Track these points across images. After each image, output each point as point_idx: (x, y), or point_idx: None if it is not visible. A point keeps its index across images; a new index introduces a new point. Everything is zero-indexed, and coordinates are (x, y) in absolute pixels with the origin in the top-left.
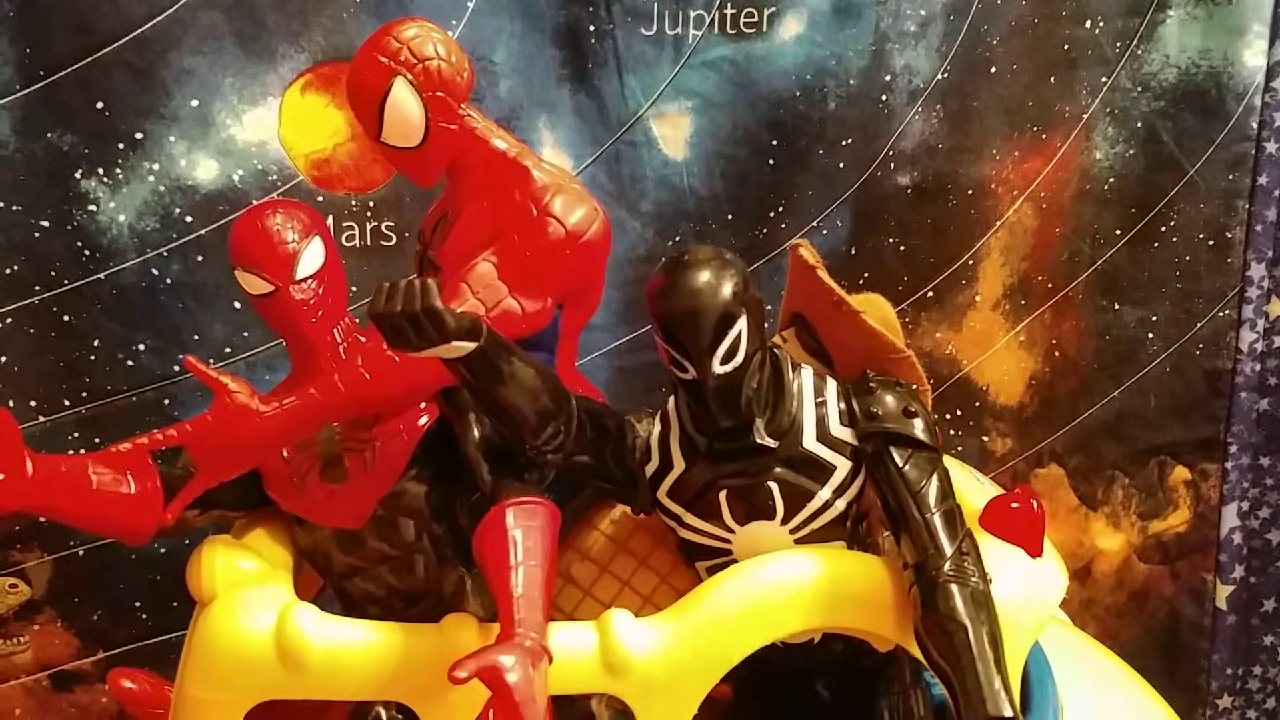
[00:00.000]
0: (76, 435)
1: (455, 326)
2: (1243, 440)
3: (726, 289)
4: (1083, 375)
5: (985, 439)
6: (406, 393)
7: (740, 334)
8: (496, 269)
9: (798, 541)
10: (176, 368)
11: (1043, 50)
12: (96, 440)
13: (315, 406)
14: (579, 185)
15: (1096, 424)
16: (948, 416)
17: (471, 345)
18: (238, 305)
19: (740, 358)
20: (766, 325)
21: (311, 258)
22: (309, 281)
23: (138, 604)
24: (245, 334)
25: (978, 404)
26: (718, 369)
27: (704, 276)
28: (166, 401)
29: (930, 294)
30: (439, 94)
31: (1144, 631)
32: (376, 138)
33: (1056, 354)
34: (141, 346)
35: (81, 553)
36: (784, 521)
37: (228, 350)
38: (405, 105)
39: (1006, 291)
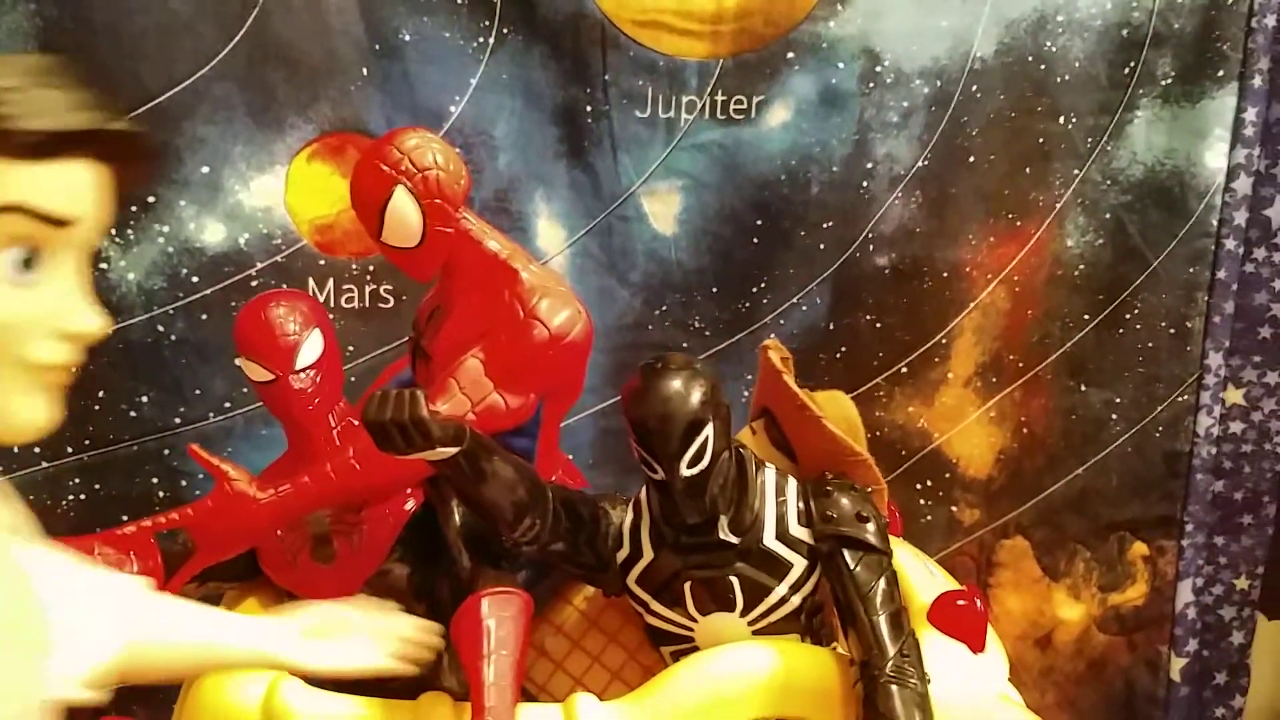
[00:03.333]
0: (78, 480)
1: (440, 434)
2: (1198, 519)
3: (696, 397)
4: (1049, 452)
5: (954, 509)
6: (393, 482)
7: (707, 439)
8: (484, 365)
9: (755, 632)
10: (177, 420)
11: (1019, 142)
12: (96, 486)
13: (308, 494)
14: (565, 288)
15: (1061, 499)
16: (918, 487)
17: (454, 450)
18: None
19: (706, 460)
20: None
21: (311, 349)
22: (308, 371)
23: None
24: (244, 390)
25: (948, 475)
26: (685, 471)
27: (675, 384)
28: (166, 452)
29: (904, 370)
30: (437, 201)
31: (1101, 700)
32: (376, 238)
33: (1025, 430)
34: (144, 399)
35: None
36: (743, 614)
37: (227, 405)
38: (404, 212)
39: (978, 369)
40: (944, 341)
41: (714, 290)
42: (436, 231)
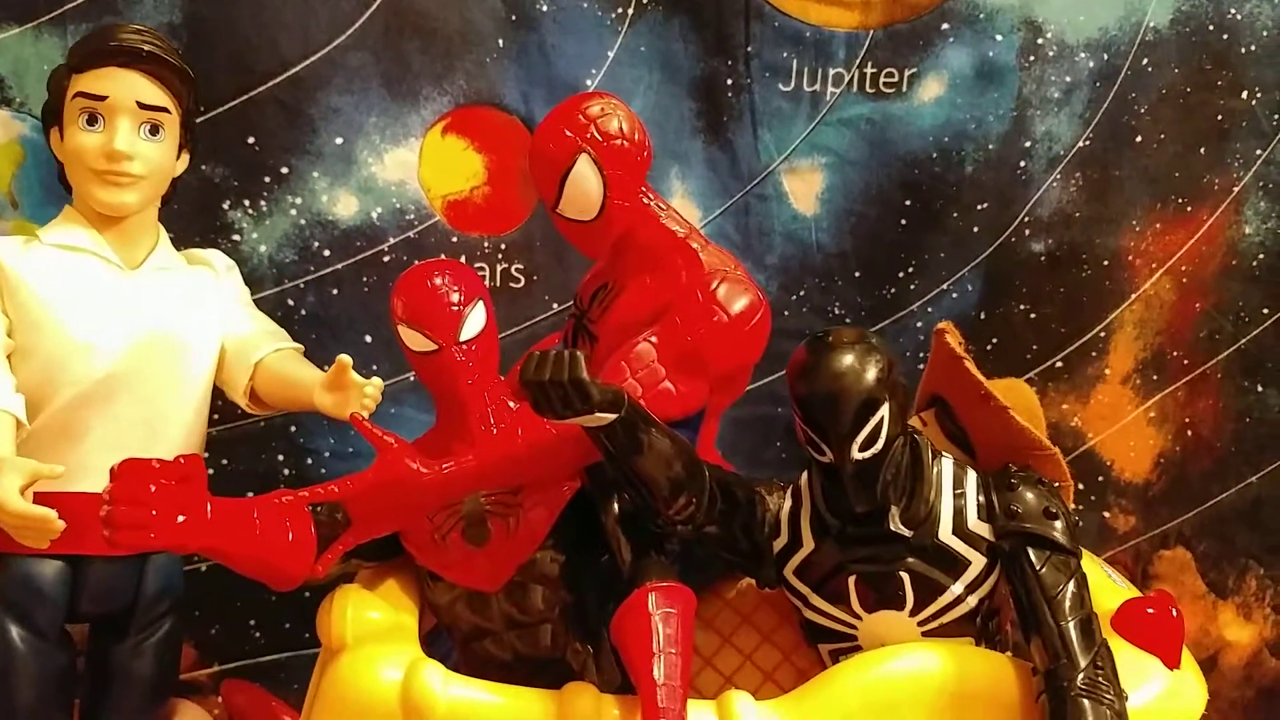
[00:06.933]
0: (206, 455)
1: (599, 398)
2: None
3: (871, 374)
4: (1218, 457)
5: (1106, 515)
6: (561, 466)
7: (882, 420)
8: (656, 350)
9: (925, 634)
10: None
11: (1193, 120)
12: (224, 461)
13: (473, 473)
14: (742, 271)
15: (1230, 509)
16: None
17: (613, 416)
18: (369, 339)
19: (880, 444)
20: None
21: (475, 321)
22: (470, 344)
23: (252, 622)
24: (374, 367)
25: (1100, 479)
26: (856, 455)
27: (848, 359)
28: (293, 428)
29: (1059, 364)
30: (619, 172)
31: None
32: (553, 208)
33: (1189, 433)
34: None
35: (204, 569)
36: (913, 613)
37: None
38: (586, 181)
39: (1138, 366)
40: (1102, 335)
41: (856, 275)
42: (615, 205)
